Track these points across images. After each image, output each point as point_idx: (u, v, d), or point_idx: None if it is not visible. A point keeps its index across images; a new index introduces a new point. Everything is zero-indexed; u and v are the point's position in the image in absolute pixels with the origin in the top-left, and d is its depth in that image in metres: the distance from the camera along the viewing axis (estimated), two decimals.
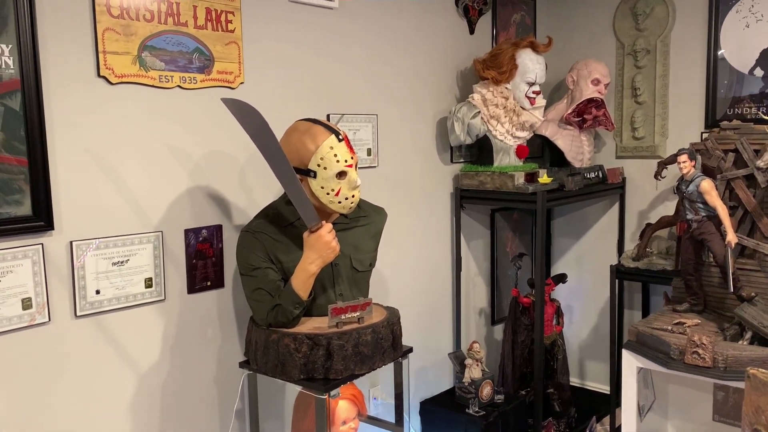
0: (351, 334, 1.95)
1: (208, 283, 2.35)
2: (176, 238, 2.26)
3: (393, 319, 2.09)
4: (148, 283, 2.19)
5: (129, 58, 2.07)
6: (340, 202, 2.06)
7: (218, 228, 2.37)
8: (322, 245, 1.99)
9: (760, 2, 3.12)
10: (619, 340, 3.46)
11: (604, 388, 3.77)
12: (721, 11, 3.23)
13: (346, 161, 2.03)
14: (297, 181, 1.98)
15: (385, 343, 2.03)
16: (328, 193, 2.04)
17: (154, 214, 2.20)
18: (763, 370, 1.79)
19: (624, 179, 3.61)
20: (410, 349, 2.16)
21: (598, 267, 3.76)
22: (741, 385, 2.01)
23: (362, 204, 2.28)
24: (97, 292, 2.06)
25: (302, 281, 2.00)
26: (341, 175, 2.03)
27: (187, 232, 2.28)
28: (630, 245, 3.59)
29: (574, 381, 3.87)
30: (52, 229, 1.94)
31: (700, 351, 2.29)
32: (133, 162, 2.13)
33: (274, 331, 1.99)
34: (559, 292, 3.70)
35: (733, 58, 3.24)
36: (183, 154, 2.26)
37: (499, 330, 3.70)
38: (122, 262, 2.11)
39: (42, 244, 1.93)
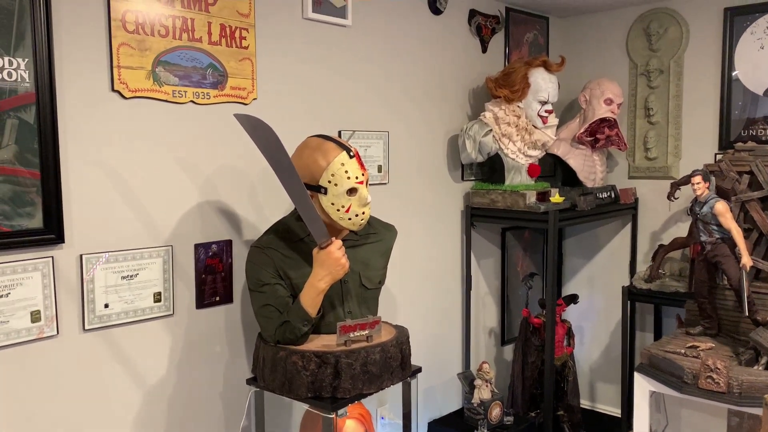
0: (359, 352, 1.93)
1: (217, 299, 2.35)
2: (186, 252, 2.26)
3: (402, 338, 2.07)
4: (157, 297, 2.18)
5: (143, 73, 2.08)
6: (350, 219, 2.05)
7: (228, 243, 2.36)
8: (331, 262, 1.98)
9: None
10: (631, 363, 3.42)
11: (615, 412, 3.71)
12: (736, 32, 3.22)
13: (356, 178, 2.03)
14: (308, 197, 1.98)
15: (394, 363, 2.01)
16: (338, 210, 2.03)
17: (164, 228, 2.20)
18: None
19: (636, 200, 3.58)
20: (419, 369, 2.14)
21: (610, 288, 3.72)
22: (756, 411, 1.98)
23: (372, 221, 2.27)
24: (106, 305, 2.06)
25: (311, 298, 1.99)
26: (352, 191, 2.03)
27: (197, 246, 2.28)
28: (642, 266, 3.56)
29: (585, 403, 3.81)
30: (63, 242, 1.94)
31: (715, 376, 2.25)
32: (144, 176, 2.14)
33: (281, 348, 1.97)
34: (570, 313, 3.67)
35: (748, 79, 3.22)
36: (194, 169, 2.27)
37: (509, 350, 3.66)
38: (131, 276, 2.11)
39: (52, 256, 1.93)
